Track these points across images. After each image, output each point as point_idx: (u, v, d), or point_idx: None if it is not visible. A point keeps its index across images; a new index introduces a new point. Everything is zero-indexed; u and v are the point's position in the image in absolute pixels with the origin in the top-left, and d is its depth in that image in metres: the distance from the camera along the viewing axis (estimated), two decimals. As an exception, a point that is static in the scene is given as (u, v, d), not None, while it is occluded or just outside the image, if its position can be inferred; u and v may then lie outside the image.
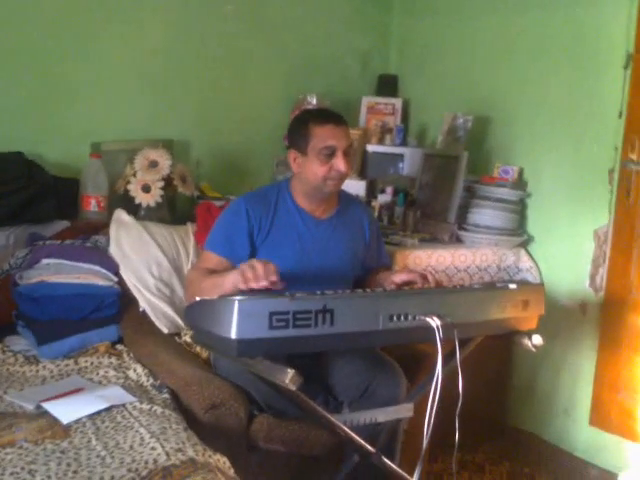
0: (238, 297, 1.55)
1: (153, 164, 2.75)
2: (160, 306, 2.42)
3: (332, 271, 2.18)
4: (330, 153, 2.08)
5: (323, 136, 2.08)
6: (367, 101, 3.49)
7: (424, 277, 2.01)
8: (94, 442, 1.69)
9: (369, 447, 1.88)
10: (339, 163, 2.08)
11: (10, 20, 2.69)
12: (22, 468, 1.55)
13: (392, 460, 1.97)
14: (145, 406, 1.88)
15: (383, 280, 2.16)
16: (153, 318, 2.39)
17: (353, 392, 2.05)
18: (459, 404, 1.71)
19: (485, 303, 1.82)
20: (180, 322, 2.38)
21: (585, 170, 2.79)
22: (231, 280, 1.88)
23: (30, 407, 1.87)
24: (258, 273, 1.78)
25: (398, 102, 3.47)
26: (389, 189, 3.10)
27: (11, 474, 1.52)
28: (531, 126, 2.99)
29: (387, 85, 3.55)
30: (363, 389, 2.03)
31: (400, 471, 1.94)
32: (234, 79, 3.23)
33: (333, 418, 1.81)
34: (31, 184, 2.62)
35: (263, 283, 1.77)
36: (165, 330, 2.37)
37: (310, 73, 3.39)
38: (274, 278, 1.79)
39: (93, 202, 2.75)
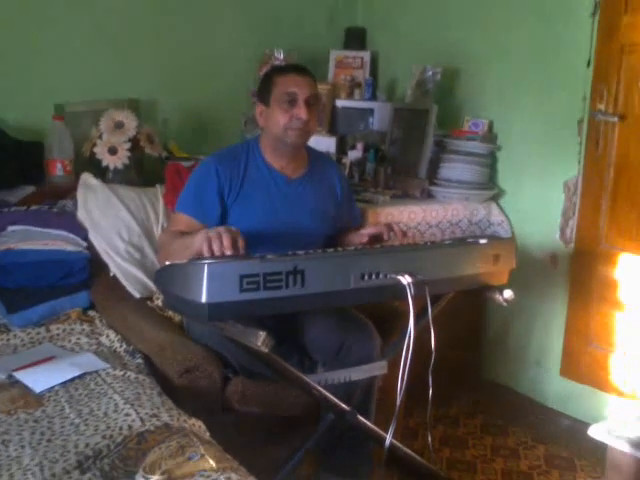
0: (207, 261, 1.54)
1: (119, 125, 2.69)
2: (131, 270, 2.39)
3: (303, 230, 2.17)
4: (291, 100, 2.08)
5: (284, 84, 2.10)
6: (335, 55, 3.43)
7: (390, 228, 2.06)
8: (67, 410, 1.69)
9: (344, 405, 1.90)
10: (300, 111, 2.08)
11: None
12: (-5, 439, 1.55)
13: (367, 417, 2.00)
14: (118, 372, 1.88)
15: (352, 238, 2.18)
16: (124, 283, 2.36)
17: (327, 351, 2.06)
18: (432, 360, 1.73)
19: (456, 259, 1.83)
20: (152, 286, 2.35)
21: (554, 121, 2.78)
22: (199, 240, 1.86)
23: (2, 377, 1.87)
24: (224, 244, 1.76)
25: (366, 55, 3.42)
26: (359, 145, 3.07)
27: (-16, 445, 1.52)
28: (500, 78, 2.97)
29: (355, 38, 3.49)
30: (337, 348, 2.03)
31: (375, 428, 1.97)
32: (198, 36, 3.15)
33: (307, 378, 1.82)
34: (-6, 149, 2.56)
35: (227, 252, 1.75)
36: (137, 295, 2.34)
37: (276, 28, 3.32)
38: (239, 250, 1.77)
39: (59, 166, 2.70)
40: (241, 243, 1.79)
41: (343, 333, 2.06)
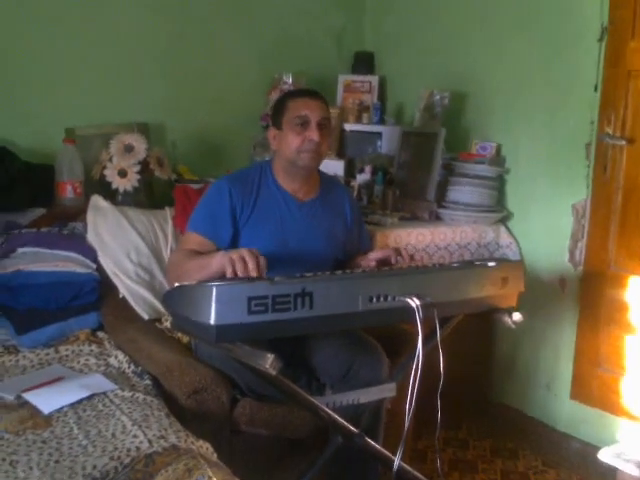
0: (216, 282, 1.54)
1: (129, 148, 2.72)
2: (140, 292, 2.40)
3: (313, 254, 2.18)
4: (303, 123, 2.10)
5: (296, 107, 2.12)
6: (343, 79, 3.47)
7: (397, 252, 2.05)
8: (76, 431, 1.69)
9: (352, 428, 1.89)
10: (312, 133, 2.10)
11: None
12: (3, 459, 1.55)
13: (375, 440, 1.98)
14: (127, 393, 1.88)
15: (360, 262, 2.18)
16: (133, 304, 2.38)
17: (335, 374, 2.05)
18: (440, 383, 1.72)
19: (464, 282, 1.82)
20: (160, 308, 2.35)
21: (562, 145, 2.79)
22: (218, 262, 1.86)
23: (10, 397, 1.87)
24: (249, 267, 1.77)
25: (374, 79, 3.45)
26: (368, 168, 3.09)
27: (-8, 466, 1.52)
28: (508, 101, 2.98)
29: (363, 62, 3.53)
30: (345, 370, 2.03)
31: (383, 451, 1.95)
32: (207, 60, 3.19)
33: (315, 400, 1.81)
34: (4, 171, 2.58)
35: (253, 274, 1.76)
36: (145, 316, 2.35)
37: (285, 52, 3.35)
38: (263, 273, 1.77)
39: (69, 188, 2.72)
40: (262, 263, 1.79)
41: (351, 355, 2.05)
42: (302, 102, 2.13)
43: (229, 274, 1.78)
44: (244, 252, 1.80)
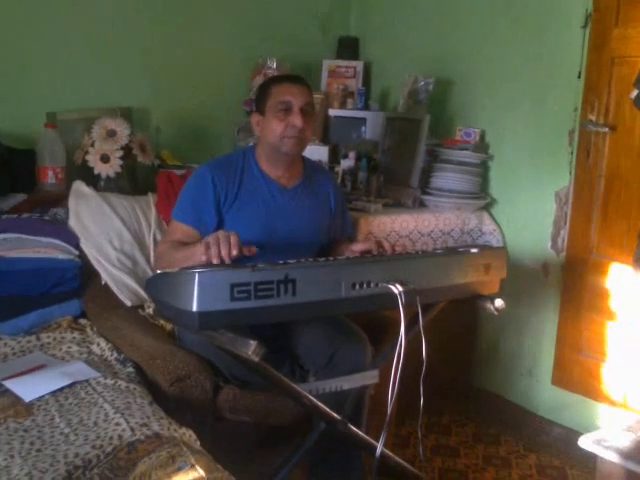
0: (198, 269, 1.54)
1: (111, 133, 2.69)
2: (122, 278, 2.39)
3: (298, 240, 2.18)
4: (286, 108, 2.10)
5: (279, 93, 2.12)
6: (328, 64, 3.45)
7: (379, 244, 2.03)
8: (57, 419, 1.68)
9: (335, 415, 1.90)
10: (295, 119, 2.09)
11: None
12: (-16, 448, 1.54)
13: (358, 427, 1.99)
14: (109, 381, 1.87)
15: (343, 251, 2.17)
16: (115, 291, 2.36)
17: (318, 360, 2.05)
18: (423, 370, 1.73)
19: (447, 268, 1.83)
20: (143, 294, 2.34)
21: (546, 131, 2.80)
22: (200, 252, 1.86)
23: (-9, 386, 1.85)
24: (222, 251, 1.77)
25: (359, 65, 3.43)
26: (352, 154, 3.08)
27: (-27, 455, 1.51)
28: (492, 88, 2.98)
29: (348, 48, 3.51)
30: (328, 357, 2.03)
31: (366, 437, 1.96)
32: (191, 44, 3.15)
33: (298, 387, 1.82)
34: (-16, 157, 2.55)
35: (226, 260, 1.76)
36: (128, 303, 2.34)
37: (269, 37, 3.32)
38: (235, 252, 1.77)
39: (50, 173, 2.69)
40: (234, 240, 1.78)
41: (334, 342, 2.05)
42: (285, 88, 2.12)
43: (205, 261, 1.78)
44: (220, 234, 1.81)
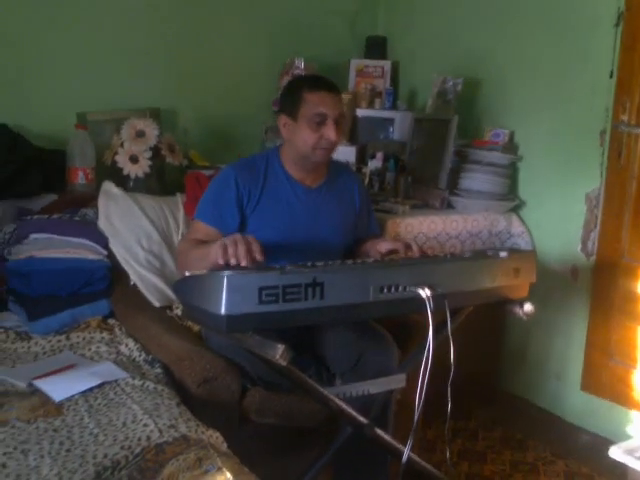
0: (227, 272, 1.53)
1: (140, 134, 2.71)
2: (151, 279, 2.40)
3: (322, 241, 2.17)
4: (321, 121, 2.06)
5: (315, 102, 2.06)
6: (356, 64, 3.43)
7: (408, 246, 2.01)
8: (87, 420, 1.69)
9: (362, 418, 1.89)
10: (329, 132, 2.06)
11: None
12: (15, 448, 1.55)
13: (385, 430, 1.98)
14: (137, 382, 1.88)
15: (369, 249, 2.16)
16: (144, 291, 2.38)
17: (345, 364, 2.05)
18: (451, 374, 1.71)
19: (476, 272, 1.81)
20: (171, 295, 2.35)
21: (576, 132, 2.76)
22: (214, 251, 1.86)
23: (22, 385, 1.87)
24: (239, 252, 1.74)
25: (387, 64, 3.42)
26: (379, 155, 3.07)
27: (4, 454, 1.52)
28: (522, 88, 2.95)
29: (376, 47, 3.49)
30: (355, 360, 2.03)
31: (393, 441, 1.95)
32: (219, 45, 3.17)
33: (325, 391, 1.81)
34: (17, 157, 2.58)
35: (243, 263, 1.73)
36: (156, 303, 2.35)
37: (296, 36, 3.32)
38: (259, 257, 1.75)
39: (80, 174, 2.72)
40: (257, 249, 1.76)
41: (361, 346, 2.05)
42: (320, 97, 2.06)
43: (220, 260, 1.76)
44: (237, 237, 1.78)
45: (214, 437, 1.64)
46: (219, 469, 1.45)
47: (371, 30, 3.57)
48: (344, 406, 1.84)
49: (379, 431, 1.93)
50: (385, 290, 1.64)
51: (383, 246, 2.07)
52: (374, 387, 1.90)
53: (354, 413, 1.87)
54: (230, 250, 1.75)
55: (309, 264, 1.63)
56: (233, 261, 1.75)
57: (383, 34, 3.55)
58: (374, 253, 2.13)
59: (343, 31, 3.52)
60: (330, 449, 1.95)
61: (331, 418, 1.99)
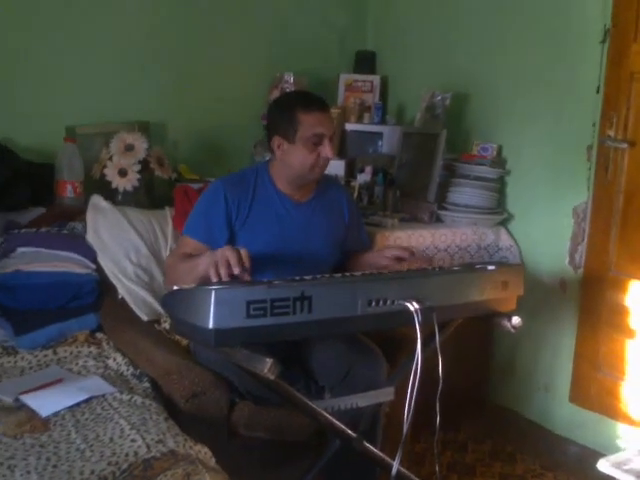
0: (215, 286, 1.54)
1: (129, 147, 2.71)
2: (139, 293, 2.40)
3: (312, 255, 2.18)
4: (317, 141, 2.08)
5: (311, 124, 2.07)
6: (345, 78, 3.45)
7: (412, 253, 2.05)
8: (74, 435, 1.68)
9: (350, 432, 1.88)
10: (326, 150, 2.09)
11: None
12: (1, 464, 1.54)
13: (374, 444, 1.98)
14: (125, 396, 1.87)
15: (372, 259, 2.16)
16: (132, 305, 2.37)
17: (334, 377, 2.05)
18: (439, 387, 1.71)
19: (464, 285, 1.81)
20: (159, 309, 2.35)
21: (564, 147, 2.78)
22: (204, 264, 1.87)
23: (9, 400, 1.86)
24: (232, 263, 1.78)
25: (376, 79, 3.43)
26: (368, 168, 3.07)
27: (-10, 469, 1.52)
28: (509, 103, 2.97)
29: (365, 62, 3.51)
30: (344, 374, 2.03)
31: (382, 455, 1.95)
32: (208, 58, 3.18)
33: (314, 404, 1.81)
34: (5, 170, 2.57)
35: (236, 271, 1.76)
36: (144, 317, 2.35)
37: (286, 51, 3.34)
38: (247, 264, 1.78)
39: (69, 187, 2.71)
40: (244, 255, 1.80)
41: (350, 359, 2.05)
42: (315, 118, 2.08)
43: (213, 276, 1.79)
44: (227, 251, 1.81)
45: (202, 452, 1.63)
46: (207, 484, 1.44)
47: (360, 45, 3.59)
48: (333, 419, 1.83)
49: (368, 444, 1.92)
50: (373, 303, 1.64)
51: (389, 252, 2.08)
52: (363, 400, 1.89)
53: (343, 426, 1.86)
54: (222, 268, 1.78)
55: (297, 278, 1.63)
56: (223, 273, 1.76)
57: (372, 49, 3.57)
58: (380, 259, 2.14)
59: (332, 46, 3.54)
60: (319, 462, 1.94)
61: (320, 431, 1.99)
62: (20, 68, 2.75)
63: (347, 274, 1.85)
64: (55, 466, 1.55)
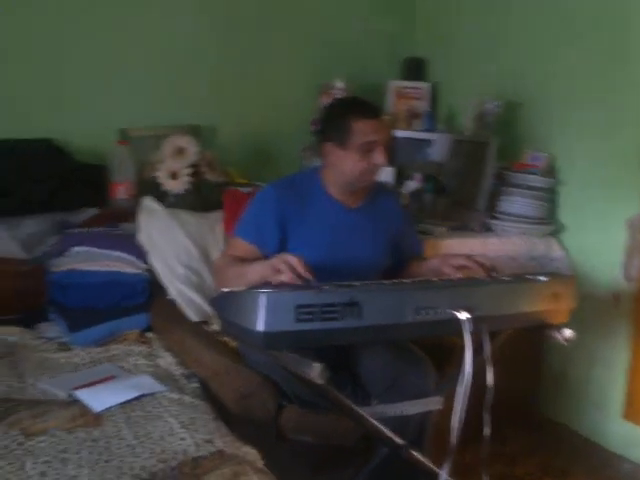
0: (265, 289, 1.54)
1: (180, 151, 2.75)
2: (189, 294, 2.43)
3: (363, 261, 2.17)
4: (370, 148, 2.07)
5: (365, 132, 2.06)
6: (394, 85, 3.44)
7: (481, 265, 1.99)
8: (125, 431, 1.71)
9: (397, 440, 1.87)
10: (379, 157, 2.07)
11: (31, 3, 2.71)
12: (54, 457, 1.58)
13: (421, 452, 1.96)
14: (175, 395, 1.90)
15: (434, 266, 2.14)
16: (182, 306, 2.40)
17: (381, 384, 2.04)
18: (489, 399, 1.69)
19: (515, 296, 1.78)
20: (209, 310, 2.38)
21: (618, 157, 2.72)
22: (258, 272, 1.87)
23: (62, 395, 1.90)
24: (299, 272, 1.76)
25: (426, 86, 3.42)
26: (417, 176, 3.06)
27: (44, 462, 1.55)
28: (562, 112, 2.92)
29: (414, 68, 3.50)
30: (391, 381, 2.02)
31: (429, 464, 1.93)
32: (260, 65, 3.21)
33: (362, 411, 1.80)
34: (61, 171, 2.64)
35: (302, 272, 1.75)
36: (194, 318, 2.38)
37: (335, 57, 3.35)
38: (308, 276, 1.77)
39: (121, 189, 2.76)
40: (303, 267, 1.78)
41: (398, 366, 2.04)
42: (369, 126, 2.06)
43: (277, 281, 1.78)
44: (289, 259, 1.79)
45: (251, 453, 1.64)
46: (255, 485, 1.46)
47: (409, 51, 3.58)
48: (380, 426, 1.83)
49: (414, 453, 1.91)
50: (423, 311, 1.63)
51: (455, 261, 2.05)
52: (410, 408, 1.88)
53: (390, 434, 1.85)
54: (285, 276, 1.76)
55: (346, 283, 1.63)
56: (284, 278, 1.76)
57: (422, 55, 3.55)
58: (444, 267, 2.10)
59: (381, 52, 3.54)
60: (366, 468, 1.94)
61: (367, 437, 1.98)
62: (76, 71, 2.81)
63: (396, 281, 1.84)
64: (107, 461, 1.57)
